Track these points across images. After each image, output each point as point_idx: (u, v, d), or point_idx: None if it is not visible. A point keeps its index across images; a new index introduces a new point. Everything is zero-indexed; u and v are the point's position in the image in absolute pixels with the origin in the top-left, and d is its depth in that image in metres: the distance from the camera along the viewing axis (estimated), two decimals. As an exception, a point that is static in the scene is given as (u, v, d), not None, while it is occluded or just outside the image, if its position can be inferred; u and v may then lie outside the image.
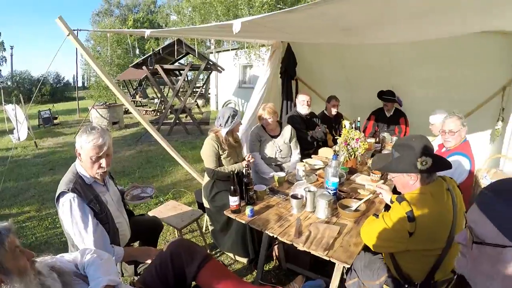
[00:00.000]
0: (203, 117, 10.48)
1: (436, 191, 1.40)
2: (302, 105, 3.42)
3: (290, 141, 3.09)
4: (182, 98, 8.86)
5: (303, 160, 2.89)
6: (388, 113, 4.19)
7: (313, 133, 3.59)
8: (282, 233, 1.63)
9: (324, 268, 2.13)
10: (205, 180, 2.55)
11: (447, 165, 1.43)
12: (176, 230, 2.53)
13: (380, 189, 1.93)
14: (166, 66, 9.07)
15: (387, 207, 1.86)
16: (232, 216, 1.88)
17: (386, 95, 4.07)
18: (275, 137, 3.02)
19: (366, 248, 1.61)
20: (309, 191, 1.93)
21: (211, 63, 9.10)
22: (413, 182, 1.45)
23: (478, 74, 3.56)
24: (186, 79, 13.51)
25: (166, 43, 10.60)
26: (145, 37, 2.71)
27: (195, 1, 9.38)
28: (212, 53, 13.29)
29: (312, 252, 1.50)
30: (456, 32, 2.67)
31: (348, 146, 2.70)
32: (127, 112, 10.26)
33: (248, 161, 2.42)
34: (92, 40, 19.65)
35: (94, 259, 1.26)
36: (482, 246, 0.60)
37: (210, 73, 12.59)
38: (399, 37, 2.96)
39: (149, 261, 1.62)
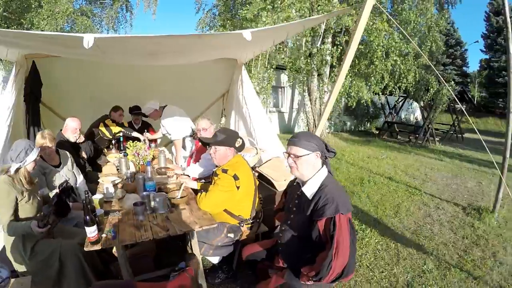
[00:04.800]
0: None
1: (240, 158, 2.36)
2: (73, 133, 3.28)
3: (72, 167, 2.87)
4: None
5: (99, 180, 2.86)
6: (137, 125, 4.78)
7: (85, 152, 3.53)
8: (155, 233, 1.86)
9: (169, 259, 2.48)
10: (7, 240, 1.96)
11: (244, 146, 2.38)
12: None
13: (182, 179, 2.62)
14: None
15: (195, 191, 2.57)
16: (95, 248, 1.73)
17: (134, 111, 4.58)
18: (57, 166, 2.69)
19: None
20: (147, 195, 2.20)
21: None
22: (230, 154, 2.30)
23: (207, 86, 5.04)
24: None
25: None
26: None
27: None
28: None
29: (197, 229, 1.96)
30: (203, 59, 3.82)
31: (139, 155, 3.06)
32: None
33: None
34: None
35: None
36: (301, 158, 1.55)
37: None
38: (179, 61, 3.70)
39: None
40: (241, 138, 2.38)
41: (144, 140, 4.34)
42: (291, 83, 10.65)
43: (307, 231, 1.67)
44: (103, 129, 4.12)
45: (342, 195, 1.62)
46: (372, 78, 7.73)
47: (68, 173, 2.76)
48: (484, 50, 25.77)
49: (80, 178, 2.96)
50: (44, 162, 2.59)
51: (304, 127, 12.30)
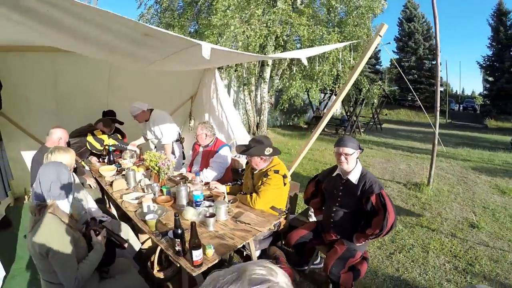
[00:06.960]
0: None
1: (278, 160, 2.73)
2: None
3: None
4: None
5: (123, 199, 2.74)
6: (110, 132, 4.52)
7: None
8: (243, 238, 2.03)
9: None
10: None
11: (277, 152, 2.71)
12: None
13: (213, 185, 2.90)
14: None
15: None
16: (201, 270, 1.68)
17: (109, 116, 4.31)
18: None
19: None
20: (210, 206, 2.41)
21: None
22: (262, 161, 2.63)
23: (177, 89, 5.12)
24: None
25: None
26: None
27: None
28: None
29: (271, 224, 2.26)
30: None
31: (162, 165, 3.06)
32: None
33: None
34: None
35: None
36: (350, 155, 2.31)
37: None
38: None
39: None
40: (272, 147, 2.67)
41: (136, 150, 4.17)
42: (228, 82, 11.23)
43: (358, 206, 2.31)
44: (91, 139, 3.80)
45: (376, 178, 2.31)
46: (319, 80, 8.83)
47: (81, 196, 2.58)
48: (396, 51, 30.82)
49: (89, 198, 2.78)
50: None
51: (241, 122, 13.00)
